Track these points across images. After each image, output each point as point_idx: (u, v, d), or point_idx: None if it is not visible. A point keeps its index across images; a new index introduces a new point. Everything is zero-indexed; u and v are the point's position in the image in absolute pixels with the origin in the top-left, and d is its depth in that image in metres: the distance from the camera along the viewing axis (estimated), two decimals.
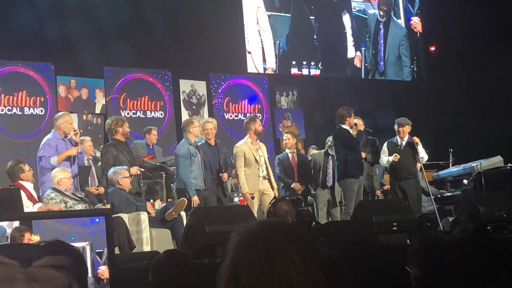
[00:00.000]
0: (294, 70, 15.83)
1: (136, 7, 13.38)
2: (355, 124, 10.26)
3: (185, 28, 13.99)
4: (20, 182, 8.28)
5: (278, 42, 15.65)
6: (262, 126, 10.19)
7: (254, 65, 15.24)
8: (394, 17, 17.38)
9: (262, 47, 15.40)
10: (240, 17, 15.19)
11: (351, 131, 10.02)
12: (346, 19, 16.66)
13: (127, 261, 6.16)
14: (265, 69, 15.38)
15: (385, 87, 16.69)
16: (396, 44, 17.29)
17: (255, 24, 15.42)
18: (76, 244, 3.31)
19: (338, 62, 16.51)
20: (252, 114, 13.45)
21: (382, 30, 17.12)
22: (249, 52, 15.23)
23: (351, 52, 16.63)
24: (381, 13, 17.16)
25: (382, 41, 17.09)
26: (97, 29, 12.81)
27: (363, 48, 16.84)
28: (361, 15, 16.94)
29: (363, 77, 16.82)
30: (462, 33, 16.68)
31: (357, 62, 16.64)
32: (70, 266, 1.20)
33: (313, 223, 7.83)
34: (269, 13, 15.65)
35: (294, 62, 15.83)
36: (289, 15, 15.91)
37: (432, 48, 17.73)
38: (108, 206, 8.57)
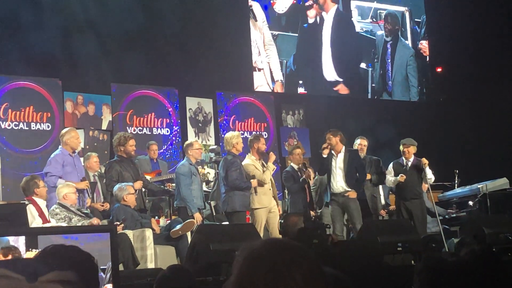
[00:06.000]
0: (301, 90, 15.90)
1: (143, 25, 13.42)
2: (359, 145, 10.40)
3: (192, 46, 14.03)
4: (33, 197, 8.27)
5: (285, 61, 15.71)
6: (265, 145, 10.24)
7: (266, 81, 15.37)
8: (401, 38, 17.40)
9: (268, 62, 15.47)
10: (248, 34, 15.24)
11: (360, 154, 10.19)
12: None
13: (131, 278, 6.15)
14: (272, 88, 15.43)
15: (390, 108, 16.68)
16: (403, 64, 17.30)
17: (261, 40, 15.50)
18: None
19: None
20: (257, 133, 13.46)
21: (389, 50, 17.15)
22: (261, 69, 15.32)
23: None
24: (386, 33, 17.18)
25: (389, 61, 17.11)
26: (105, 46, 12.86)
27: (370, 69, 16.86)
28: (369, 36, 16.97)
29: (369, 97, 16.84)
30: (468, 54, 16.70)
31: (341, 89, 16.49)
32: (77, 281, 1.20)
33: (331, 238, 7.79)
34: (276, 32, 15.71)
35: (301, 82, 15.90)
36: (296, 34, 15.97)
37: (439, 69, 17.73)
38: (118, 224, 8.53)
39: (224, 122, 14.31)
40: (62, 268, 1.21)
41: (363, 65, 16.78)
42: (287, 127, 15.24)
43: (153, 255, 8.34)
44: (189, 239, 8.31)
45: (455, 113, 16.67)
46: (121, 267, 7.45)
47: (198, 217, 9.21)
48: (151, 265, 8.19)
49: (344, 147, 10.05)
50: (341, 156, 9.99)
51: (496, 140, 15.93)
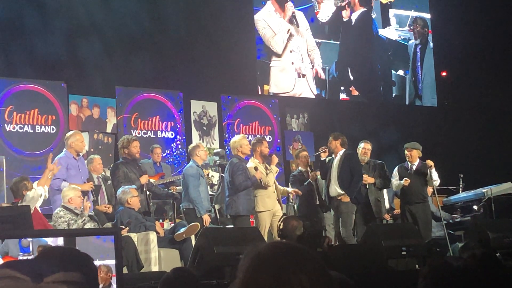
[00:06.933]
0: (342, 96, 16.18)
1: (148, 28, 13.46)
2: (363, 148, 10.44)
3: (197, 49, 14.05)
4: None
5: (327, 68, 15.93)
6: (268, 148, 10.23)
7: (309, 87, 15.59)
8: (430, 41, 17.50)
9: (312, 69, 15.72)
10: (252, 38, 15.26)
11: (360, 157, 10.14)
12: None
13: (135, 281, 6.15)
14: (316, 94, 15.69)
15: (394, 111, 16.68)
16: (431, 67, 17.47)
17: (305, 47, 15.70)
18: (109, 262, 3.31)
19: (369, 86, 16.67)
20: (259, 136, 13.46)
21: (418, 54, 17.31)
22: (304, 75, 15.54)
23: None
24: (415, 35, 17.32)
25: (419, 64, 17.25)
26: (109, 49, 12.88)
27: (407, 76, 17.06)
28: (405, 43, 17.20)
29: (407, 103, 17.05)
30: (475, 58, 16.69)
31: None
32: (82, 282, 1.20)
33: (327, 240, 7.76)
34: (319, 40, 15.97)
35: (342, 88, 16.15)
36: (338, 42, 16.21)
37: (444, 74, 17.72)
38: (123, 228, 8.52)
39: (228, 125, 14.31)
40: (66, 268, 1.21)
41: (400, 72, 17.01)
42: (291, 131, 15.24)
43: (157, 258, 8.34)
44: (193, 242, 8.31)
45: (460, 117, 16.66)
46: (125, 270, 7.45)
47: (206, 218, 9.27)
48: (155, 268, 8.19)
49: (343, 150, 10.01)
50: (337, 159, 9.98)
51: (501, 144, 15.90)
